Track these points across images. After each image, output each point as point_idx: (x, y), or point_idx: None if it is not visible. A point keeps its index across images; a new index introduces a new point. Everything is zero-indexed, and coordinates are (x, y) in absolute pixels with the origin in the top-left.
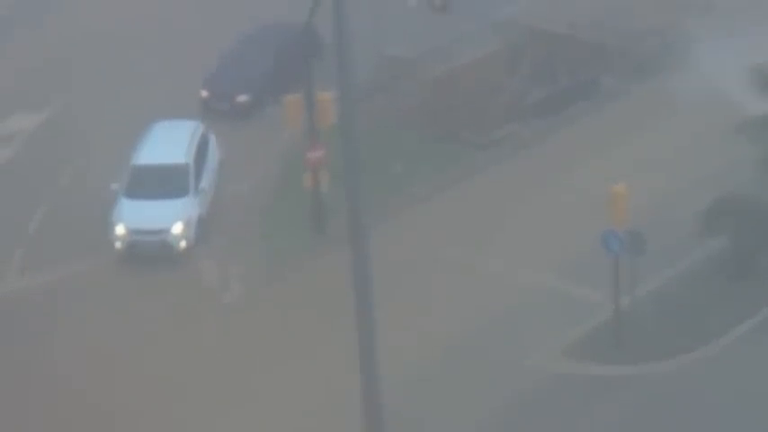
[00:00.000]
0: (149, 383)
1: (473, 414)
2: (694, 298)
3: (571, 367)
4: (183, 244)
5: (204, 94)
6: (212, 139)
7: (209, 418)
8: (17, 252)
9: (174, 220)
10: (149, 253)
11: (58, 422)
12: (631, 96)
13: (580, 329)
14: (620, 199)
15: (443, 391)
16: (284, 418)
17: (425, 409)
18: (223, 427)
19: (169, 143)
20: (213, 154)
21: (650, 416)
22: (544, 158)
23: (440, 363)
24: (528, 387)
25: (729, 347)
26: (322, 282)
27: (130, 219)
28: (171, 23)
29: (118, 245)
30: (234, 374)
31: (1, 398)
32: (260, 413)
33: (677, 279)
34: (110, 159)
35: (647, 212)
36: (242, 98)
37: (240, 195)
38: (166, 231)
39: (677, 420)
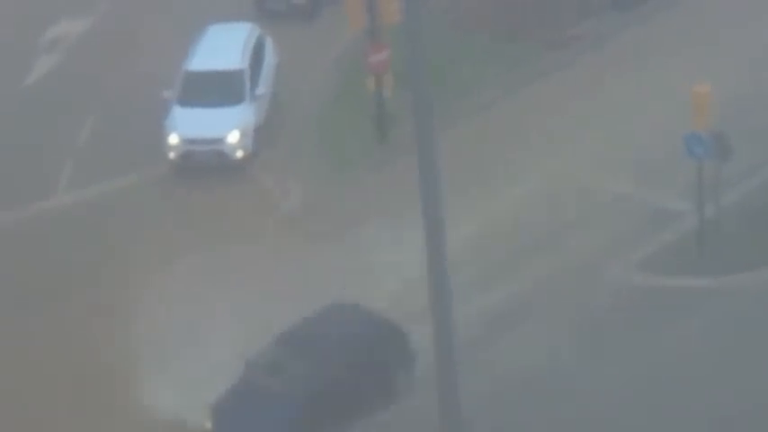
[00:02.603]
0: (205, 296)
1: (547, 331)
2: None
3: (651, 280)
4: (239, 153)
5: None
6: (268, 43)
7: (268, 327)
8: (66, 165)
9: (230, 129)
10: (204, 163)
11: (113, 338)
12: None
13: (661, 240)
14: (702, 99)
15: (512, 307)
16: None
17: (493, 326)
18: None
19: (223, 47)
20: (270, 58)
21: (734, 329)
22: (622, 57)
23: (508, 275)
24: (605, 301)
25: None
26: (386, 191)
27: (184, 127)
28: None
29: (171, 155)
30: (296, 286)
31: (52, 316)
32: None
33: (763, 188)
34: (161, 65)
35: (731, 116)
36: None
37: (299, 101)
38: (222, 140)
39: (761, 334)
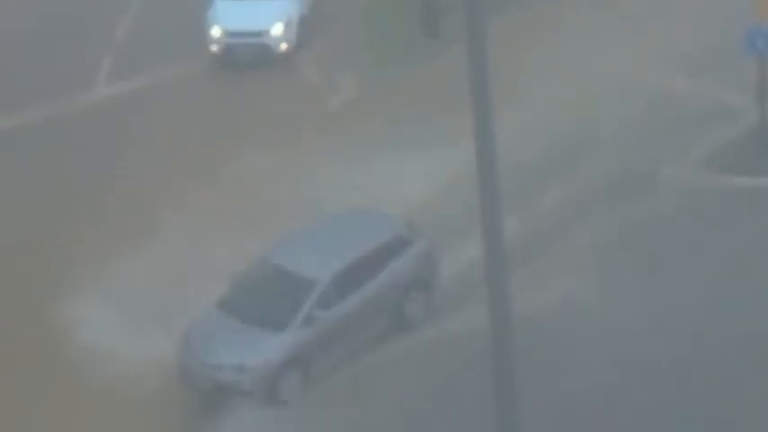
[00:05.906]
0: (245, 195)
1: (601, 230)
2: None
3: (710, 179)
4: (283, 46)
5: None
6: None
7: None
8: (105, 58)
9: (274, 21)
10: (247, 56)
11: (153, 228)
12: None
13: (720, 138)
14: None
15: (564, 207)
16: None
17: (545, 226)
18: None
19: None
20: None
21: None
22: None
23: (559, 172)
24: (663, 202)
25: None
26: (434, 86)
27: (227, 19)
28: None
29: (214, 48)
30: (340, 179)
31: (96, 205)
32: None
33: None
34: None
35: None
36: None
37: None
38: (266, 33)
39: None
